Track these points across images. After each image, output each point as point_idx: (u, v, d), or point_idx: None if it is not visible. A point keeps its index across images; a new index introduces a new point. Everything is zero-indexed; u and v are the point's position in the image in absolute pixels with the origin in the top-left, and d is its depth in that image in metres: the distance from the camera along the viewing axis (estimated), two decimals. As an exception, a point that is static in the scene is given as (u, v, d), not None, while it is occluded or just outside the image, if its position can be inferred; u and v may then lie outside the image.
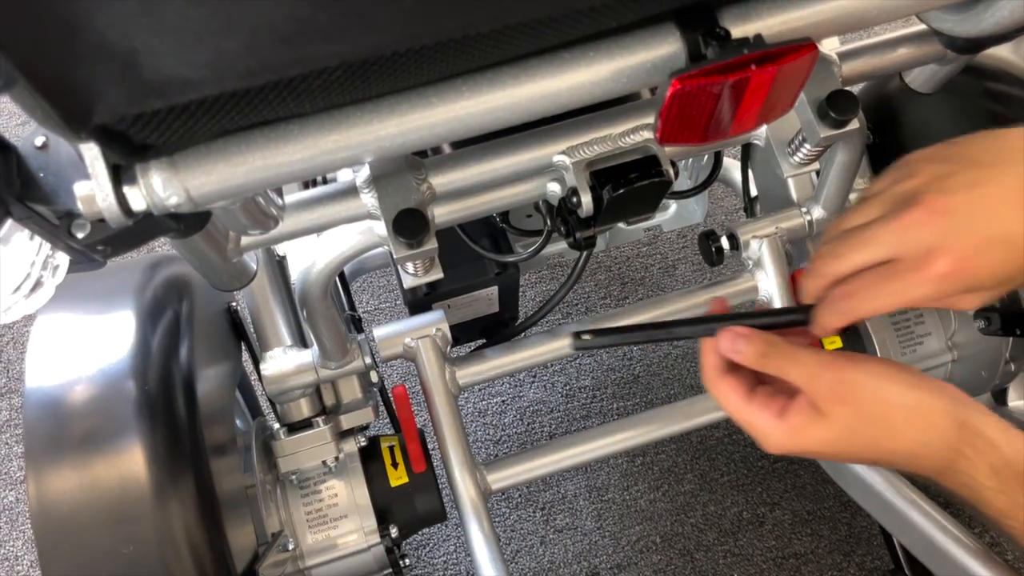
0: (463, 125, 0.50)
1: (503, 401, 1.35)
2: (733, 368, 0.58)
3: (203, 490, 0.68)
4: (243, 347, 1.00)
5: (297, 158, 0.48)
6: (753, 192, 1.12)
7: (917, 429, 0.53)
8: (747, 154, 1.12)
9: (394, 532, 0.94)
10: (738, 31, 0.49)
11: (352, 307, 1.14)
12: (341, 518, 0.93)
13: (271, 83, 0.39)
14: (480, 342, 1.12)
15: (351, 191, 0.71)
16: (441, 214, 0.77)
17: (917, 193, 0.51)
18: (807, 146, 0.78)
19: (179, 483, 0.65)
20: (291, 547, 0.89)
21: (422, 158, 0.73)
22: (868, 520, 1.22)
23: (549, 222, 0.98)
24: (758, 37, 0.47)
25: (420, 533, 1.24)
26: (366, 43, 0.35)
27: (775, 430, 0.55)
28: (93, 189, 0.45)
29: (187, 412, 0.70)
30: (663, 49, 0.49)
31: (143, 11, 0.29)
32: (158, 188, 0.46)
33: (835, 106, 0.70)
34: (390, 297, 1.46)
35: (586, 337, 0.70)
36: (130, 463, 0.64)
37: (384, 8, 0.33)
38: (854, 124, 0.72)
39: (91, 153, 0.44)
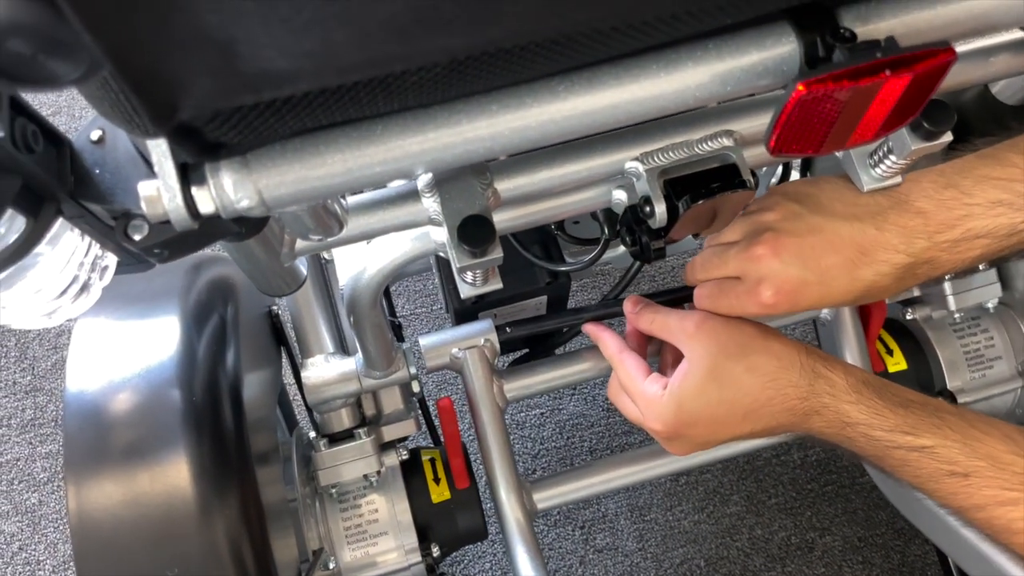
0: (558, 129, 0.46)
1: (542, 414, 1.31)
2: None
3: (250, 507, 0.64)
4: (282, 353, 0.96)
5: (379, 160, 0.44)
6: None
7: (773, 354, 0.63)
8: (808, 164, 1.08)
9: (436, 551, 0.90)
10: (860, 32, 0.45)
11: (392, 313, 1.11)
12: (381, 535, 0.90)
13: (366, 79, 0.35)
14: (518, 353, 1.08)
15: (411, 195, 0.67)
16: (500, 220, 0.73)
17: (767, 229, 0.62)
18: (892, 158, 0.73)
19: (226, 499, 0.62)
20: (331, 566, 0.85)
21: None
22: (922, 548, 1.17)
23: (607, 230, 0.94)
24: (890, 40, 0.43)
25: (454, 548, 1.20)
26: (485, 37, 0.31)
27: (659, 398, 0.65)
28: (159, 189, 0.42)
29: (234, 423, 0.67)
30: (776, 51, 0.45)
31: (250, -7, 0.26)
32: (229, 189, 0.42)
33: (930, 117, 0.65)
34: (426, 302, 1.42)
35: (508, 331, 0.90)
36: (176, 478, 0.60)
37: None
38: (947, 137, 0.68)
39: (159, 150, 0.40)
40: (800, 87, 0.41)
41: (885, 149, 0.75)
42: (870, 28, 0.45)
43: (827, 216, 0.61)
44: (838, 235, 0.61)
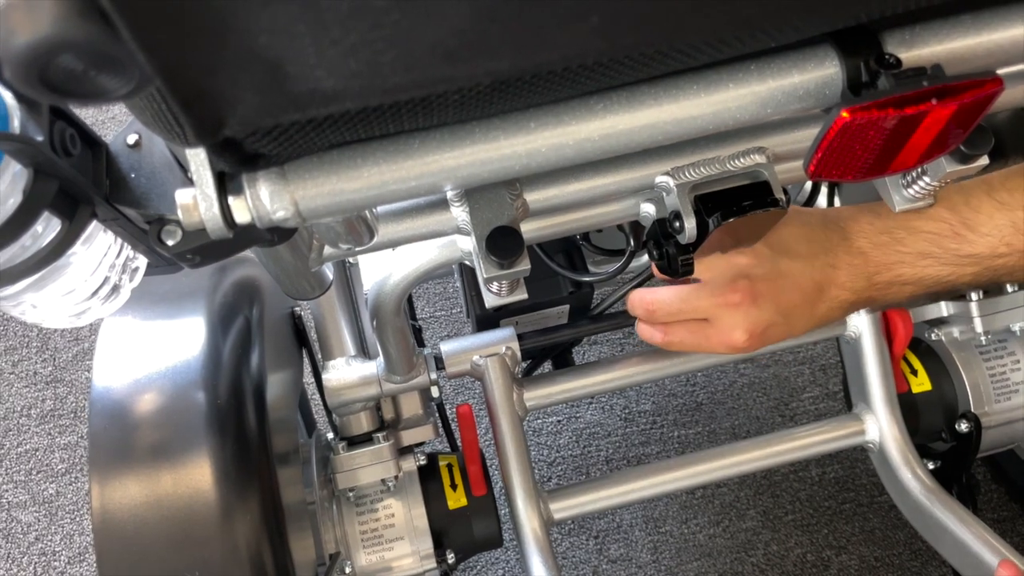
0: (595, 147, 0.45)
1: (559, 421, 1.31)
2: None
3: (270, 510, 0.64)
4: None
5: (414, 174, 0.44)
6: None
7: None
8: (836, 182, 1.07)
9: (451, 557, 0.90)
10: (904, 58, 0.44)
11: (413, 317, 1.11)
12: (397, 540, 0.90)
13: (409, 98, 0.35)
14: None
15: (440, 204, 0.67)
16: (527, 231, 0.72)
17: (740, 275, 0.65)
18: (926, 179, 0.72)
19: (248, 503, 0.62)
20: (347, 570, 0.85)
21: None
22: (940, 570, 1.16)
23: (633, 242, 0.93)
24: (937, 67, 0.42)
25: (467, 553, 1.20)
26: (531, 61, 0.31)
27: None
28: (195, 197, 0.42)
29: (257, 426, 0.67)
30: (817, 74, 0.45)
31: (302, 17, 0.25)
32: (265, 200, 0.42)
33: (968, 140, 0.65)
34: (446, 305, 1.42)
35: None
36: (199, 481, 0.60)
37: (566, 25, 0.29)
38: (983, 160, 0.67)
39: (198, 159, 0.40)
40: (844, 113, 0.40)
41: (919, 170, 0.74)
42: (914, 54, 0.45)
43: (793, 257, 0.65)
44: (803, 275, 0.64)
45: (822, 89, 0.45)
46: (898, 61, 0.43)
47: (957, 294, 1.01)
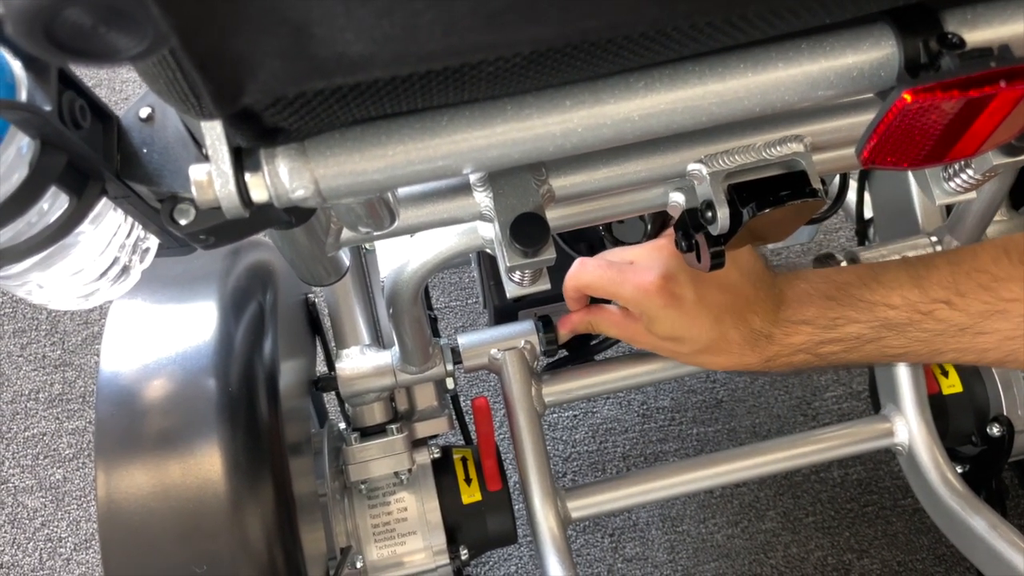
0: (634, 128, 0.43)
1: (575, 416, 1.28)
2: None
3: (282, 503, 0.62)
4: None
5: (442, 153, 0.41)
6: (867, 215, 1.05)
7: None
8: (865, 174, 1.04)
9: (464, 553, 0.88)
10: (967, 38, 0.42)
11: (430, 307, 1.08)
12: (409, 534, 0.87)
13: (442, 67, 0.32)
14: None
15: (462, 189, 0.65)
16: (552, 218, 0.70)
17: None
18: (969, 172, 0.69)
19: (258, 495, 0.60)
20: (359, 565, 0.83)
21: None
22: (964, 577, 1.13)
23: (653, 233, 0.90)
24: (1004, 48, 0.39)
25: (479, 548, 1.18)
26: (577, 28, 0.28)
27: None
28: (211, 174, 0.39)
29: (269, 416, 0.65)
30: (873, 54, 0.42)
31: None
32: (284, 178, 0.40)
33: (1017, 131, 0.62)
34: (462, 295, 1.39)
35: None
36: (208, 471, 0.58)
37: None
38: (1031, 152, 0.64)
39: (214, 133, 0.38)
40: (906, 95, 0.37)
41: (962, 163, 0.71)
42: (976, 35, 0.42)
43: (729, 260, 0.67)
44: (727, 278, 0.68)
45: (877, 71, 0.42)
46: (962, 41, 0.40)
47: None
